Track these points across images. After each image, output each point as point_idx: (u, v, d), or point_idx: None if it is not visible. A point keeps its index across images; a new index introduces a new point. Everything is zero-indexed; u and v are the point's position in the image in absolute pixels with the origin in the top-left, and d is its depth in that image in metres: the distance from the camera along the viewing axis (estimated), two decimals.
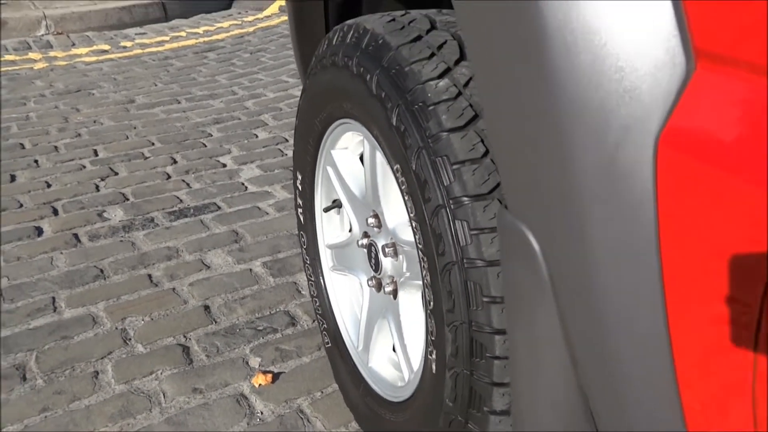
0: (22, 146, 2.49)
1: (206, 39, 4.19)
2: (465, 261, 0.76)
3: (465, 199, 0.75)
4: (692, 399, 0.51)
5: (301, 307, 1.57)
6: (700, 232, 0.46)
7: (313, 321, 1.52)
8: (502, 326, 0.74)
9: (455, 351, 0.80)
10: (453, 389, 0.82)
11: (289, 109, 2.88)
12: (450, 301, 0.79)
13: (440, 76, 0.80)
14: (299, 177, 1.29)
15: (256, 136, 2.62)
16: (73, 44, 3.95)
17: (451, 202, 0.76)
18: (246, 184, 2.22)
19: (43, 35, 4.01)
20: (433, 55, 0.83)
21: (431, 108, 0.78)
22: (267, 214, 2.02)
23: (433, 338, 0.85)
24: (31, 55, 3.71)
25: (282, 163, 2.35)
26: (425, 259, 0.83)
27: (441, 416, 0.87)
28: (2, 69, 3.41)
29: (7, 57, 3.66)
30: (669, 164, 0.47)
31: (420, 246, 0.84)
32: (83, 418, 1.25)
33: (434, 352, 0.85)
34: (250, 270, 1.73)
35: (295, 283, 1.67)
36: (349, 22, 1.00)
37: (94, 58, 3.68)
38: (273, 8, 5.04)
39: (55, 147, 2.49)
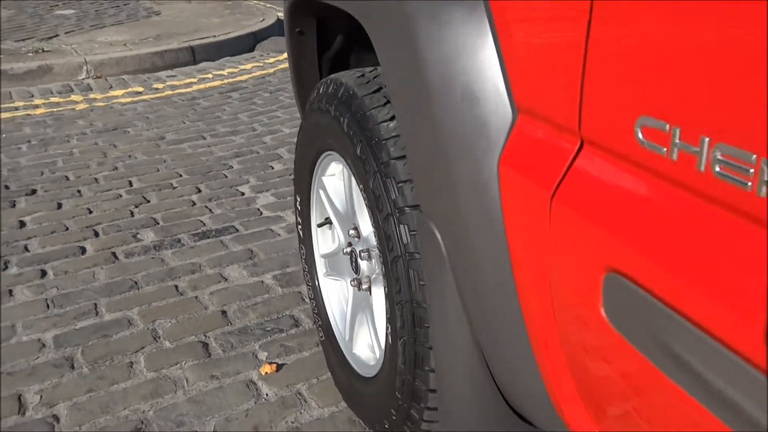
0: (67, 178, 2.83)
1: (230, 80, 4.55)
2: (407, 254, 1.02)
3: (406, 208, 1.02)
4: (533, 327, 0.76)
5: (303, 312, 1.84)
6: (522, 220, 0.72)
7: (313, 323, 1.78)
8: None
9: (402, 324, 1.06)
10: (403, 354, 1.08)
11: None
12: (397, 286, 1.05)
13: (390, 119, 1.07)
14: (298, 199, 1.57)
15: (272, 168, 2.92)
16: (111, 87, 4.33)
17: (396, 211, 1.03)
18: (261, 209, 2.51)
19: (83, 79, 4.40)
20: (387, 102, 1.11)
21: (383, 142, 1.06)
22: (279, 235, 2.30)
23: (388, 316, 1.11)
24: (74, 97, 4.09)
25: (293, 189, 2.63)
26: (381, 255, 1.10)
27: (397, 378, 1.12)
28: (48, 110, 3.78)
29: (52, 99, 4.05)
30: (505, 178, 0.74)
31: (378, 246, 1.11)
32: (121, 398, 1.52)
33: (389, 327, 1.11)
34: (262, 282, 2.00)
35: (300, 292, 1.94)
36: (331, 76, 1.29)
37: (129, 99, 4.05)
38: None
39: (96, 179, 2.82)
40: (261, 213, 2.48)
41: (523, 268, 0.73)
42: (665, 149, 0.51)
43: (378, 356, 1.28)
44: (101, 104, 3.95)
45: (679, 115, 0.50)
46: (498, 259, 0.77)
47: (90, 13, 6.56)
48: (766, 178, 0.45)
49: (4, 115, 3.71)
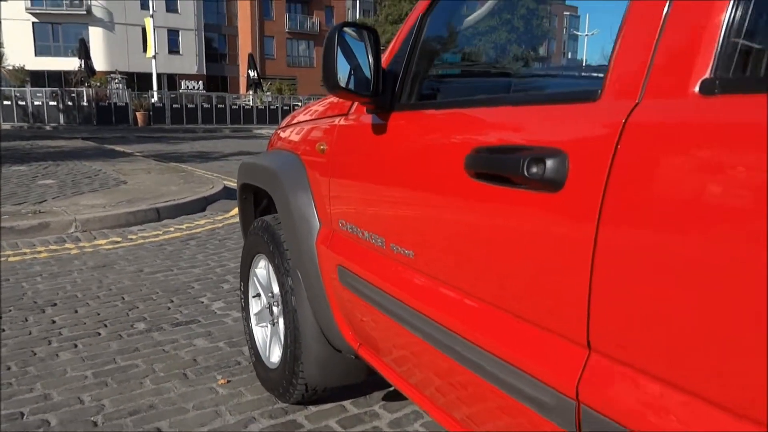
0: (77, 296, 4.05)
1: (188, 232, 5.94)
2: (290, 289, 2.37)
3: (289, 269, 2.39)
4: (330, 299, 2.12)
5: (244, 358, 3.09)
6: (323, 260, 2.11)
7: (248, 362, 3.03)
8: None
9: (288, 322, 2.38)
10: (288, 337, 2.39)
11: None
12: (286, 305, 2.39)
13: (282, 235, 2.48)
14: (242, 284, 2.92)
15: (223, 287, 4.23)
16: (95, 238, 5.63)
17: (286, 271, 2.40)
18: (216, 311, 3.79)
19: (73, 232, 5.69)
20: (282, 229, 2.52)
21: (281, 243, 2.45)
22: (228, 323, 3.58)
23: (285, 323, 2.44)
24: (67, 245, 5.36)
25: (237, 299, 3.93)
26: (281, 295, 2.45)
27: (287, 351, 2.42)
28: (50, 254, 5.03)
29: (51, 247, 5.30)
30: (318, 247, 2.14)
31: (279, 292, 2.46)
32: (139, 396, 2.71)
33: (285, 327, 2.43)
34: (217, 345, 3.25)
35: (241, 350, 3.20)
36: (259, 218, 2.71)
37: (111, 246, 5.35)
38: (236, 210, 6.90)
39: (98, 296, 4.05)
40: (216, 313, 3.76)
41: (324, 275, 2.11)
42: (347, 228, 1.92)
43: (281, 352, 2.58)
44: (90, 250, 5.23)
45: (345, 217, 1.94)
46: (318, 277, 2.15)
47: (68, 183, 7.97)
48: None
49: (17, 258, 4.93)
